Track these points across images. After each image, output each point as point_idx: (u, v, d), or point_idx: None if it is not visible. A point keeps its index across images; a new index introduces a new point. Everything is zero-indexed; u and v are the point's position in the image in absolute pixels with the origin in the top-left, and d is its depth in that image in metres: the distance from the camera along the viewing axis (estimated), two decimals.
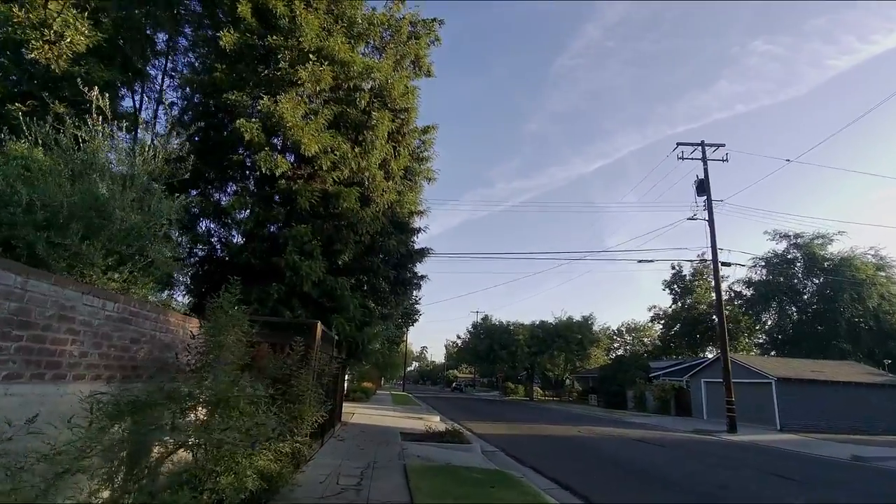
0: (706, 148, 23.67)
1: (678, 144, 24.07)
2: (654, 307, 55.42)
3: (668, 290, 53.94)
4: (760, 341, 43.25)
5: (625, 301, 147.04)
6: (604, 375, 39.40)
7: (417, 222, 13.25)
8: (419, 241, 13.29)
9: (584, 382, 50.27)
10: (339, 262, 10.90)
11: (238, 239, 10.68)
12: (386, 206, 11.89)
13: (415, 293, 13.16)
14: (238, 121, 9.41)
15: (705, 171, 23.46)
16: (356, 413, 18.57)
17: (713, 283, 22.96)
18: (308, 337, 7.66)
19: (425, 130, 13.76)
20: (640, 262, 23.95)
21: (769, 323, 39.68)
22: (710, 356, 47.19)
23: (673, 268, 53.67)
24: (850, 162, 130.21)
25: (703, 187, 23.53)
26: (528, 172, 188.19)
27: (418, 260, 13.02)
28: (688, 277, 52.38)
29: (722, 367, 21.13)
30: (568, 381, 52.46)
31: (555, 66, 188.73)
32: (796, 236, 37.39)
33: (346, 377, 33.13)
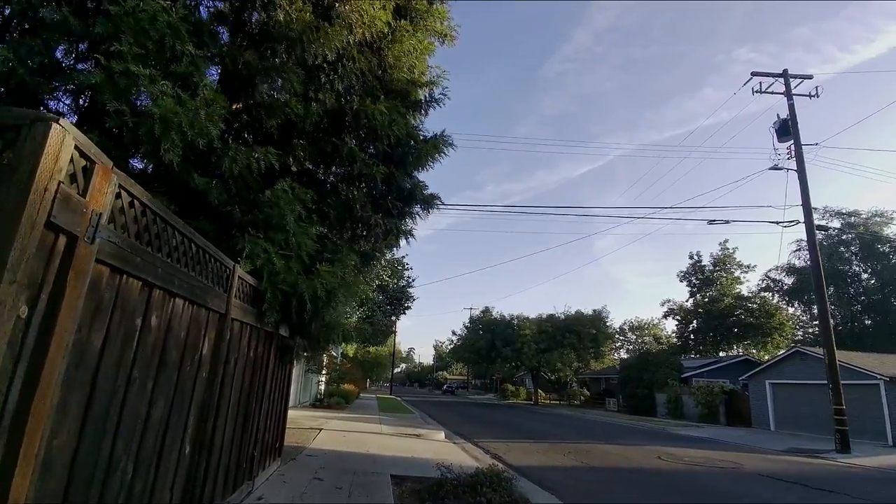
0: (790, 79, 18.27)
1: (753, 75, 18.61)
2: (668, 301, 50.28)
3: (685, 283, 48.93)
4: (798, 337, 37.92)
5: (611, 306, 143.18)
6: (626, 376, 33.71)
7: (423, 95, 7.37)
8: (428, 127, 7.35)
9: (595, 384, 44.69)
10: (267, 121, 5.05)
11: None
12: (367, 38, 6.04)
13: (418, 222, 7.14)
14: None
15: (791, 107, 17.99)
16: (325, 428, 12.60)
17: (808, 251, 17.37)
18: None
19: None
20: (710, 223, 18.08)
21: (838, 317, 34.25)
22: (733, 353, 41.98)
23: (691, 257, 48.71)
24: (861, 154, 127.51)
25: (786, 129, 18.09)
26: (517, 175, 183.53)
27: (427, 159, 6.98)
28: (708, 268, 47.37)
29: (826, 364, 15.62)
30: (570, 383, 46.62)
31: (545, 71, 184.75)
32: (850, 214, 32.28)
33: (324, 377, 24.71)
